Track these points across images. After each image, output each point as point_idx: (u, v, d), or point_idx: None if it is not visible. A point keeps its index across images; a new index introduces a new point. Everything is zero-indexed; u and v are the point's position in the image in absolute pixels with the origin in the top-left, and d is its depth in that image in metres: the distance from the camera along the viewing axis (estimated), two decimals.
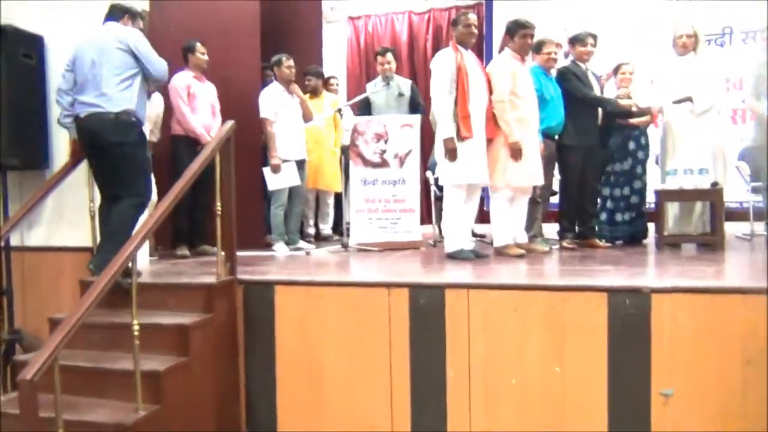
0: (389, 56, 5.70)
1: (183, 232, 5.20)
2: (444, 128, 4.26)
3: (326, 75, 7.06)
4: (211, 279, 3.61)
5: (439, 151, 4.36)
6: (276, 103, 5.35)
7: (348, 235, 5.40)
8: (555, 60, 4.93)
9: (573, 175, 5.02)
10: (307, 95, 6.16)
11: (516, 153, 4.37)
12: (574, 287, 3.19)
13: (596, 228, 5.24)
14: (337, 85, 6.98)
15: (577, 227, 5.17)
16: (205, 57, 5.19)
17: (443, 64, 4.28)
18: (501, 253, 4.55)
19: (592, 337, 3.14)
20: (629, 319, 3.09)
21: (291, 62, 5.40)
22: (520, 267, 4.03)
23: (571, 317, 3.18)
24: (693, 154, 4.80)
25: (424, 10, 8.87)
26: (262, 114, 5.34)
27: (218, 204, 3.68)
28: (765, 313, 2.90)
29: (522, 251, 4.50)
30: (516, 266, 4.07)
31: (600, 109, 5.11)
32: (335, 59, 9.07)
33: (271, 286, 3.66)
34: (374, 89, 5.63)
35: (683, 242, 4.89)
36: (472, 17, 4.34)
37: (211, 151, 3.58)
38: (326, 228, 6.42)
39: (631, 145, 5.20)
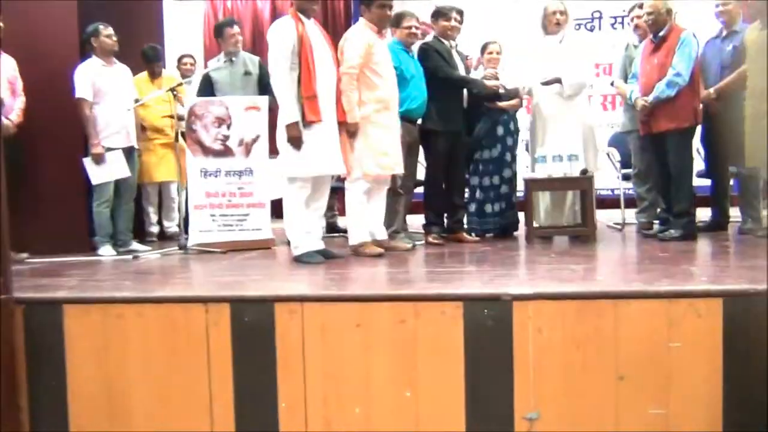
0: (236, 28, 4.99)
1: None
2: (286, 111, 3.63)
3: (181, 54, 6.26)
4: None
5: (281, 138, 3.73)
6: (95, 80, 4.51)
7: (186, 235, 4.66)
8: (416, 35, 4.41)
9: (438, 164, 4.55)
10: (144, 76, 5.36)
11: (352, 133, 3.83)
12: (426, 297, 2.68)
13: (465, 221, 4.82)
14: (192, 65, 6.16)
15: (445, 220, 4.72)
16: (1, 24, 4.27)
17: (282, 35, 3.64)
18: (357, 252, 4.00)
19: (447, 354, 2.64)
20: (488, 332, 2.61)
21: (110, 31, 4.57)
22: (374, 270, 3.50)
23: (424, 332, 2.66)
24: (562, 140, 4.45)
25: None
26: (78, 93, 4.47)
27: None
28: (638, 322, 2.51)
29: (380, 250, 3.96)
30: (369, 269, 3.53)
31: (466, 92, 4.66)
32: (192, 37, 8.21)
33: (58, 305, 2.89)
34: (216, 66, 4.90)
35: (554, 234, 4.55)
36: None
37: None
38: (172, 225, 5.63)
39: (500, 131, 4.80)
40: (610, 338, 2.53)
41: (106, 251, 4.57)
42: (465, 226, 4.81)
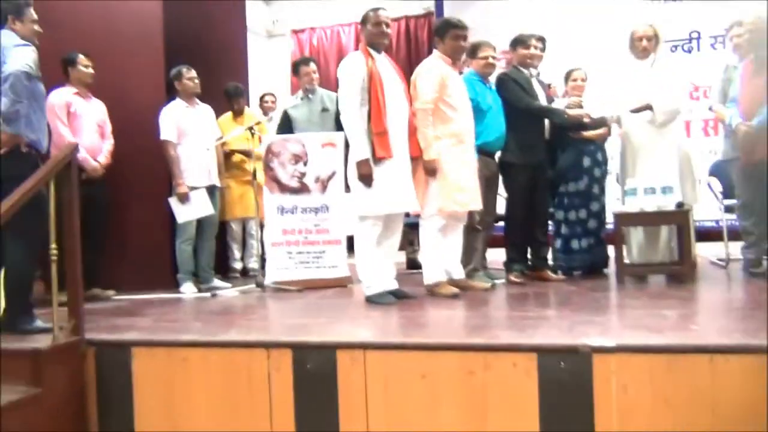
0: (312, 66, 5.02)
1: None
2: (356, 148, 3.55)
3: (263, 92, 6.41)
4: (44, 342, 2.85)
5: (351, 175, 3.65)
6: (178, 121, 4.64)
7: (264, 272, 4.67)
8: (493, 66, 4.25)
9: (519, 198, 4.33)
10: (228, 115, 5.48)
11: (430, 171, 3.70)
12: (496, 347, 2.48)
13: (549, 257, 4.55)
14: (273, 102, 6.27)
15: (529, 256, 4.48)
16: (90, 70, 4.48)
17: (351, 71, 3.58)
18: (432, 292, 3.84)
19: (520, 411, 2.42)
20: (565, 388, 2.37)
21: (193, 73, 4.71)
22: (447, 313, 3.32)
23: (494, 385, 2.45)
24: (655, 171, 4.13)
25: None
26: (163, 135, 4.61)
27: (52, 246, 2.85)
28: (738, 380, 2.20)
29: (455, 290, 3.78)
30: (442, 312, 3.36)
31: (547, 122, 4.44)
32: (279, 74, 8.42)
33: (126, 348, 2.91)
34: (294, 103, 4.92)
35: (647, 273, 4.20)
36: (383, 14, 3.66)
37: (39, 179, 2.81)
38: (250, 261, 5.66)
39: (586, 162, 4.53)
40: (706, 399, 2.23)
41: (188, 288, 4.65)
42: (550, 263, 4.56)
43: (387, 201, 3.57)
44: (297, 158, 4.62)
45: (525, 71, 4.36)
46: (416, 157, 3.72)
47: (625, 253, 4.30)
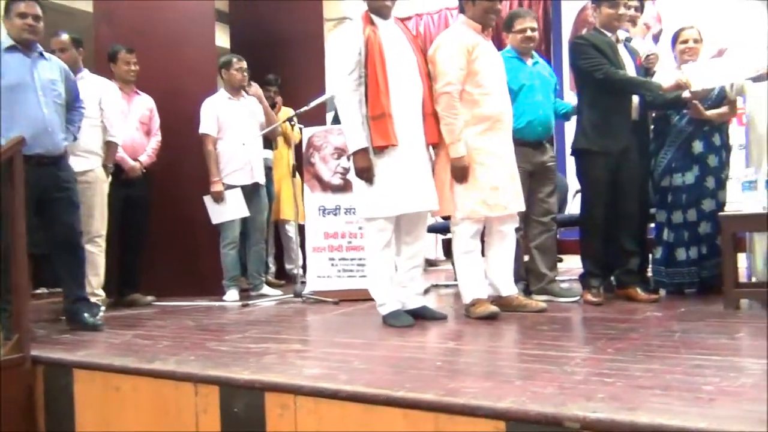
0: None
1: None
2: (351, 137, 2.91)
3: None
4: None
5: (352, 170, 3.02)
6: (219, 114, 4.29)
7: (302, 281, 4.18)
8: (532, 39, 3.48)
9: (596, 195, 3.42)
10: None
11: (459, 173, 2.96)
12: (451, 408, 1.74)
13: (641, 270, 3.60)
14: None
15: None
16: (131, 67, 4.25)
17: (344, 43, 2.95)
18: (468, 312, 3.10)
19: None
20: None
21: (243, 64, 4.34)
22: (439, 347, 2.57)
23: None
24: None
25: None
26: (202, 129, 4.30)
27: None
28: None
29: (493, 309, 3.01)
30: (440, 345, 2.61)
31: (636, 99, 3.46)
32: None
33: (68, 369, 2.56)
34: None
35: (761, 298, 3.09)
36: None
37: None
38: (294, 267, 5.00)
39: (698, 147, 3.48)
40: None
41: (231, 296, 4.30)
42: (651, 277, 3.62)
43: (395, 199, 2.89)
44: (340, 152, 4.07)
45: (609, 34, 3.42)
46: (435, 144, 3.01)
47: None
